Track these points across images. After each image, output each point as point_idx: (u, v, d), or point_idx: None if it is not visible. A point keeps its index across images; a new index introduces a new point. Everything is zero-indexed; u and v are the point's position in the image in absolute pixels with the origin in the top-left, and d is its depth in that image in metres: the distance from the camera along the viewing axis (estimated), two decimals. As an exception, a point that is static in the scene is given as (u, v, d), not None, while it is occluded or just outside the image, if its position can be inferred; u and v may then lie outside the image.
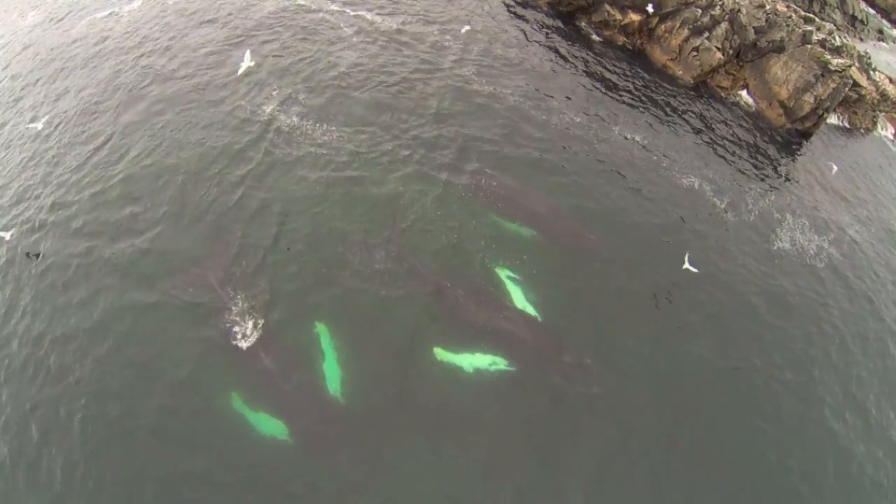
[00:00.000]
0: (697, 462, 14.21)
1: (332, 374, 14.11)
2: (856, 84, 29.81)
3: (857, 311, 19.24)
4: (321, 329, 14.97)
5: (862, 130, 29.58)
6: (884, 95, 31.11)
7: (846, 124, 29.66)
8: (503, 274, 16.70)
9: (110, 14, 29.69)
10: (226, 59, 24.38)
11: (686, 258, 16.09)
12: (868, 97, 30.01)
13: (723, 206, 21.30)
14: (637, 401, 14.86)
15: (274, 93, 22.20)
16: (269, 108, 21.42)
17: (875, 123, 30.03)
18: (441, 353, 14.75)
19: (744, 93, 27.29)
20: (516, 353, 14.94)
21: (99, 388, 13.92)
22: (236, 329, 14.85)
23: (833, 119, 29.37)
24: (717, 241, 19.92)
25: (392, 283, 16.11)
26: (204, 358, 14.38)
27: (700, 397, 15.47)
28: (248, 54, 21.92)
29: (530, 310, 15.90)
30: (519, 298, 16.15)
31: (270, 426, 13.30)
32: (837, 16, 38.24)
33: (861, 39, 38.62)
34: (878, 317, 19.34)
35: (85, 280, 16.28)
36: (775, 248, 20.41)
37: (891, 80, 33.53)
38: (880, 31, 41.22)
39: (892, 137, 30.83)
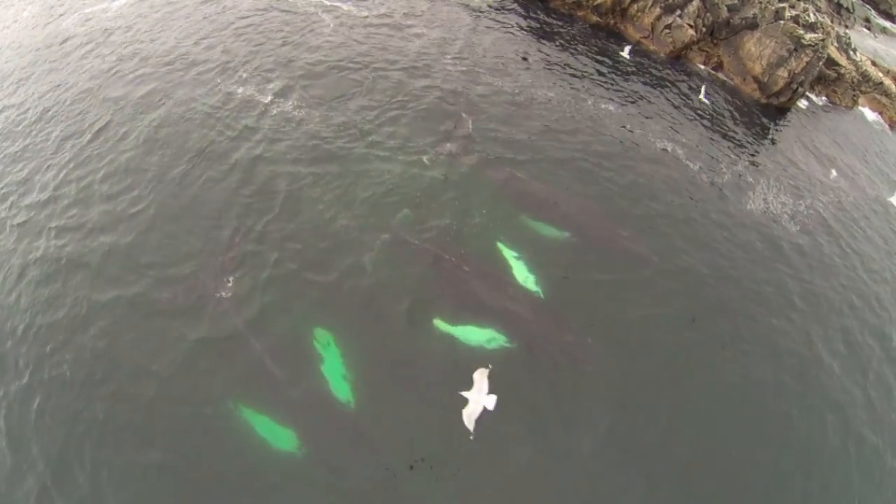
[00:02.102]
0: (694, 437, 13.92)
1: (338, 374, 13.70)
2: (834, 63, 29.84)
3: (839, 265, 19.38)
4: (322, 327, 14.60)
5: (842, 108, 29.45)
6: (865, 76, 31.01)
7: (826, 101, 29.57)
8: (504, 252, 16.69)
9: (101, 9, 30.74)
10: (210, 50, 25.04)
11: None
12: (848, 76, 29.95)
13: (696, 168, 21.47)
14: (637, 379, 14.66)
15: (270, 84, 22.47)
16: (266, 98, 21.60)
17: (855, 102, 29.89)
18: (443, 326, 14.68)
19: (720, 74, 27.43)
20: (518, 330, 14.87)
21: (96, 404, 13.48)
22: (235, 336, 14.23)
23: (813, 97, 29.34)
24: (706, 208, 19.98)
25: (393, 266, 15.95)
26: (201, 367, 13.87)
27: (700, 374, 15.21)
28: None
29: (532, 287, 15.86)
30: (522, 276, 16.14)
31: (278, 434, 12.83)
32: (822, 3, 38.33)
33: (847, 27, 38.59)
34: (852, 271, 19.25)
35: (74, 295, 15.74)
36: (748, 208, 20.52)
37: (874, 63, 33.46)
38: (867, 20, 41.20)
39: (876, 120, 30.59)
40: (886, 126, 29.70)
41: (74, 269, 16.27)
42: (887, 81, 31.94)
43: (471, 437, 12.84)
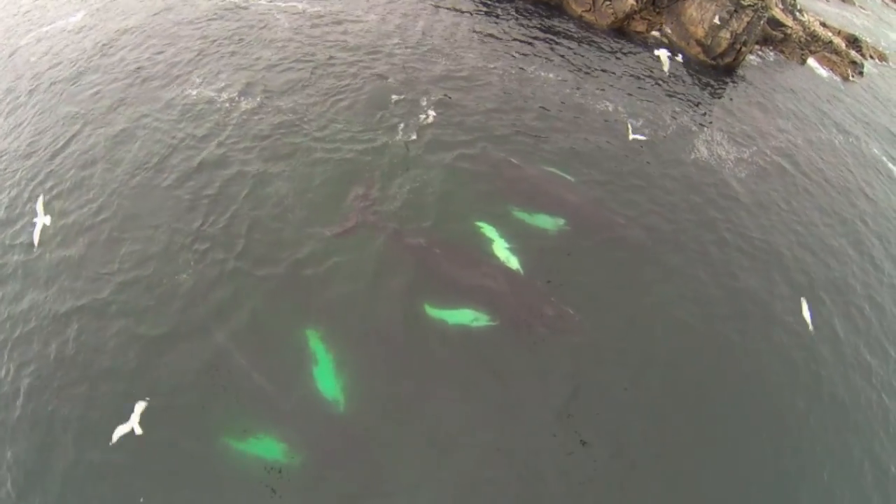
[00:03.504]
0: (672, 403, 13.94)
1: (327, 373, 13.46)
2: (780, 24, 30.21)
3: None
4: (308, 328, 14.37)
5: (793, 64, 29.74)
6: (813, 36, 31.34)
7: (779, 55, 29.88)
8: (484, 231, 16.69)
9: (59, 28, 31.20)
10: (167, 56, 25.30)
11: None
12: (794, 36, 30.28)
13: (639, 125, 21.65)
14: (616, 346, 14.79)
15: (226, 84, 22.57)
16: (223, 96, 21.71)
17: (804, 61, 30.17)
18: (432, 312, 14.67)
19: (657, 33, 27.81)
20: (500, 308, 14.93)
21: (87, 425, 13.01)
22: (219, 347, 13.86)
23: (763, 55, 29.63)
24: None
25: (370, 259, 15.87)
26: (184, 381, 13.49)
27: (677, 342, 15.22)
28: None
29: (514, 265, 15.88)
30: (502, 254, 16.16)
31: (273, 449, 12.41)
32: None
33: (797, -5, 39.12)
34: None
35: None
36: (693, 158, 20.63)
37: (823, 24, 33.84)
38: (818, -12, 41.73)
39: (828, 76, 30.75)
40: (839, 79, 29.93)
41: (37, 281, 16.04)
42: (836, 40, 32.27)
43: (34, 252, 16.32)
